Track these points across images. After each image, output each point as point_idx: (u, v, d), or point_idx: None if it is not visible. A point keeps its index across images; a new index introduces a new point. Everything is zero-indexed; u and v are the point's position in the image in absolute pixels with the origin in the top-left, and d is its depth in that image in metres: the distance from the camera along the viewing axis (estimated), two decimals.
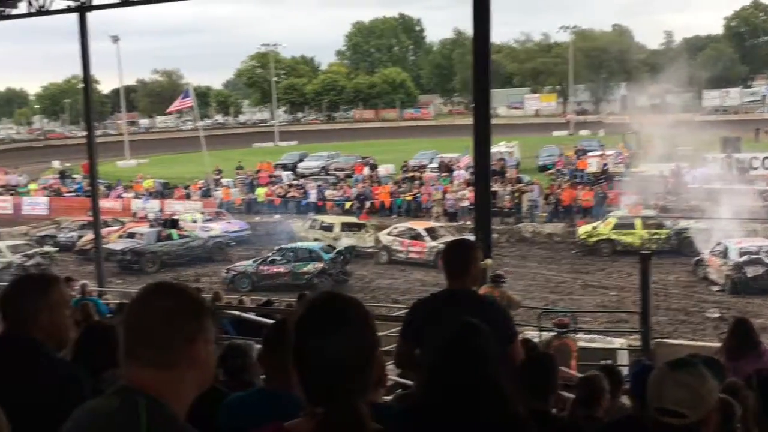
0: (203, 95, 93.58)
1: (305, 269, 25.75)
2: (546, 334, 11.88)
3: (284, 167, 48.97)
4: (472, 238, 14.20)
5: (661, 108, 59.17)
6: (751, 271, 22.52)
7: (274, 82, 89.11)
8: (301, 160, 52.66)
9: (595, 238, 28.41)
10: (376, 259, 28.79)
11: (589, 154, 42.71)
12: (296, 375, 1.82)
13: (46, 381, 2.66)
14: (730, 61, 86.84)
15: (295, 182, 41.96)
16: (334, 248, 27.00)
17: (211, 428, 2.97)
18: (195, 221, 33.60)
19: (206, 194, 40.60)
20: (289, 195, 38.70)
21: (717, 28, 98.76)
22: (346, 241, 29.86)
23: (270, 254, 26.73)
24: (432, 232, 28.48)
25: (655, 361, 11.92)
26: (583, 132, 64.71)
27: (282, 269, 25.84)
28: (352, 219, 32.85)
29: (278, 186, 40.49)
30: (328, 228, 30.73)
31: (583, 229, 29.26)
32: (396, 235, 28.82)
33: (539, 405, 3.72)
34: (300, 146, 64.99)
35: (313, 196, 37.94)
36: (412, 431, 2.54)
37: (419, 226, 29.41)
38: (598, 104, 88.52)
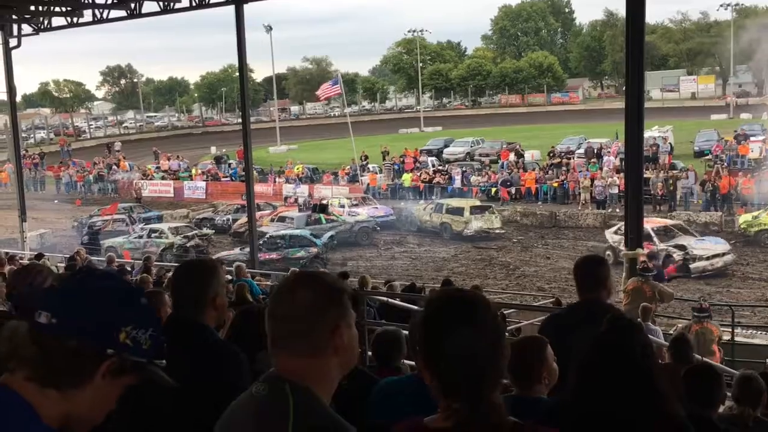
0: (351, 82, 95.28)
1: (299, 254, 26.22)
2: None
3: (429, 153, 49.21)
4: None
5: None
6: None
7: (420, 68, 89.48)
8: (446, 146, 52.72)
9: (756, 228, 26.89)
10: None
11: (751, 139, 40.26)
12: (426, 371, 1.85)
13: (210, 361, 2.83)
14: None
15: (440, 168, 42.06)
16: (318, 235, 27.39)
17: (361, 412, 3.05)
18: (342, 206, 34.38)
19: (353, 179, 41.41)
20: (434, 181, 38.91)
21: None
22: (476, 224, 29.79)
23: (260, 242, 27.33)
24: (665, 232, 25.00)
25: None
26: (744, 115, 61.00)
27: (275, 255, 26.13)
28: (476, 202, 32.72)
29: (423, 171, 40.75)
30: (457, 211, 30.74)
31: (743, 218, 27.79)
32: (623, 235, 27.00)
33: (703, 412, 3.65)
34: (445, 132, 65.03)
35: (457, 182, 37.97)
36: (567, 426, 2.52)
37: (649, 224, 23.31)
38: (762, 86, 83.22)
